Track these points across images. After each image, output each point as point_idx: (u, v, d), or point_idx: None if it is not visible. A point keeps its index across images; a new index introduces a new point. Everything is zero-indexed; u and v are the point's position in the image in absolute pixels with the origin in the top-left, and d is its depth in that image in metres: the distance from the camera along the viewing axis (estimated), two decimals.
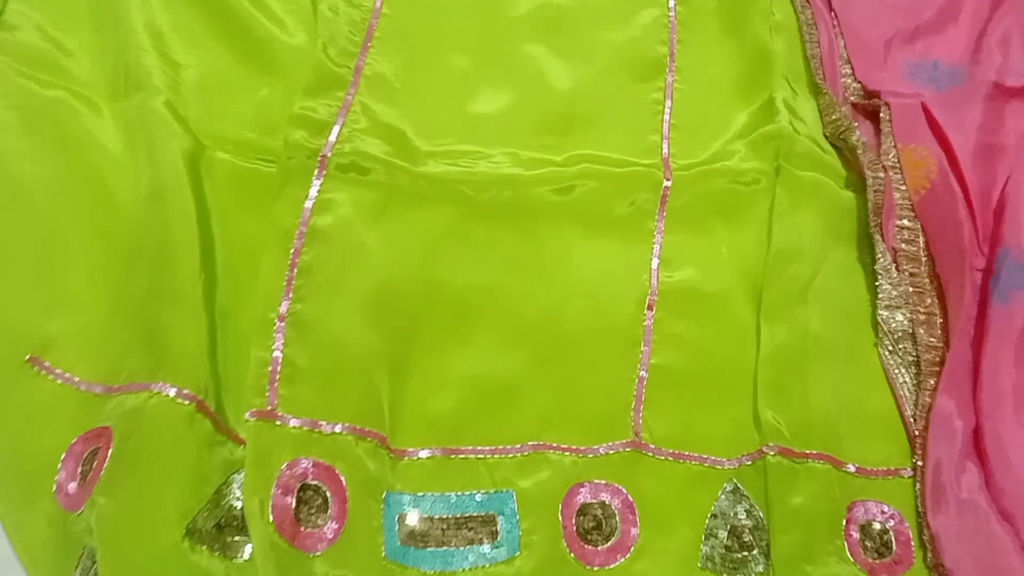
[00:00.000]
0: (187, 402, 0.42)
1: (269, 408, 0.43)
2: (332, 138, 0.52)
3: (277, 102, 0.54)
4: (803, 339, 0.49)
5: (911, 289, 0.52)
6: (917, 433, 0.47)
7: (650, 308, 0.50)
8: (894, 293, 0.51)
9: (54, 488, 0.41)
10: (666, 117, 0.58)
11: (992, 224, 0.54)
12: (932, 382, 0.49)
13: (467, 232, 0.51)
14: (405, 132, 0.54)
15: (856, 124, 0.58)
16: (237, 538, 0.41)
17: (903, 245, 0.54)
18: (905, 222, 0.55)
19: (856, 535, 0.45)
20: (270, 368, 0.44)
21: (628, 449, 0.46)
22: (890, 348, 0.50)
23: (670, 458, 0.46)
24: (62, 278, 0.46)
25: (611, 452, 0.46)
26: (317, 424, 0.43)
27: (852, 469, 0.47)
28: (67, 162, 0.50)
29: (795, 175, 0.54)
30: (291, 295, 0.46)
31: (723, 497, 0.45)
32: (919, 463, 0.47)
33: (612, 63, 0.60)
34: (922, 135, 0.57)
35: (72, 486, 0.41)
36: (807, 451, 0.46)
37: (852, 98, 0.61)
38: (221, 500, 0.41)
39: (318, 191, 0.50)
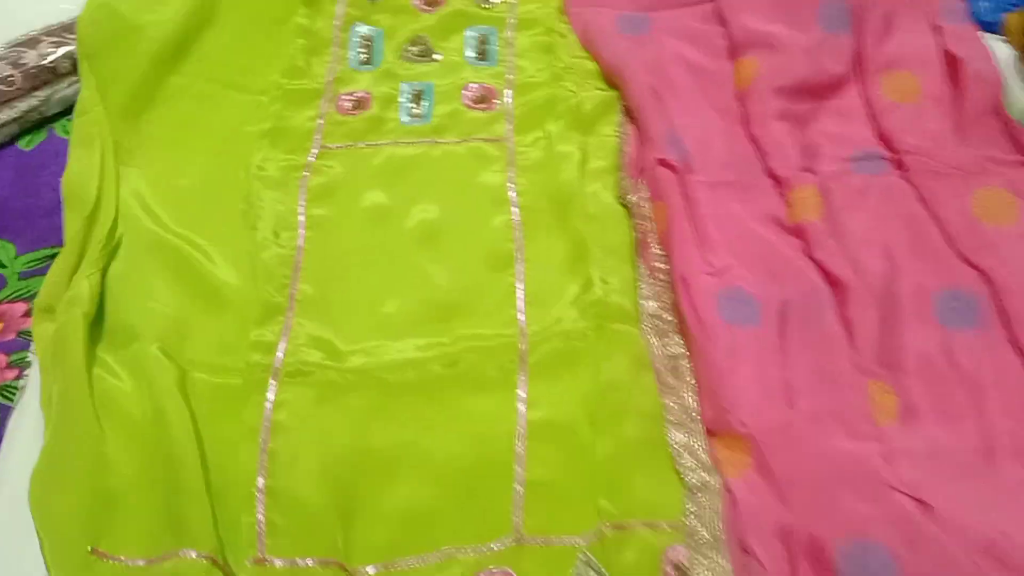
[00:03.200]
0: (205, 560, 0.61)
1: (260, 556, 0.62)
2: (280, 355, 0.73)
3: (231, 330, 0.76)
4: (623, 445, 0.70)
5: (659, 288, 0.80)
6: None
7: (520, 440, 0.71)
8: (648, 292, 0.79)
9: None
10: (520, 296, 0.81)
11: None
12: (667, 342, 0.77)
13: (387, 406, 0.72)
14: (332, 340, 0.75)
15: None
16: None
17: (657, 264, 0.81)
18: (656, 249, 0.82)
19: (671, 571, 0.66)
20: (258, 528, 0.64)
21: (513, 544, 0.66)
22: (647, 326, 0.77)
23: (541, 543, 0.66)
24: (103, 487, 0.66)
25: (501, 548, 0.66)
26: (294, 561, 0.63)
27: (665, 526, 0.68)
28: (95, 405, 0.70)
29: (610, 328, 0.77)
30: (264, 473, 0.66)
31: (578, 566, 0.65)
32: None
33: (476, 261, 0.82)
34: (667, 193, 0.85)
35: None
36: (631, 520, 0.67)
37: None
38: None
39: (275, 395, 0.71)
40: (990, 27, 1.04)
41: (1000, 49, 1.02)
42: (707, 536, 0.67)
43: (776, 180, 0.90)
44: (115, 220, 0.81)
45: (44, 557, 0.63)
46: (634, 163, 0.91)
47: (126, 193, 0.83)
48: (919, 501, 0.65)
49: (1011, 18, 1.03)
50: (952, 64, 0.97)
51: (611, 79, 0.99)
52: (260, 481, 0.66)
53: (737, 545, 0.66)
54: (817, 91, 0.97)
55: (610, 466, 0.69)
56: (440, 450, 0.70)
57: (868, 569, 0.61)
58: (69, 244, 0.79)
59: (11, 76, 0.89)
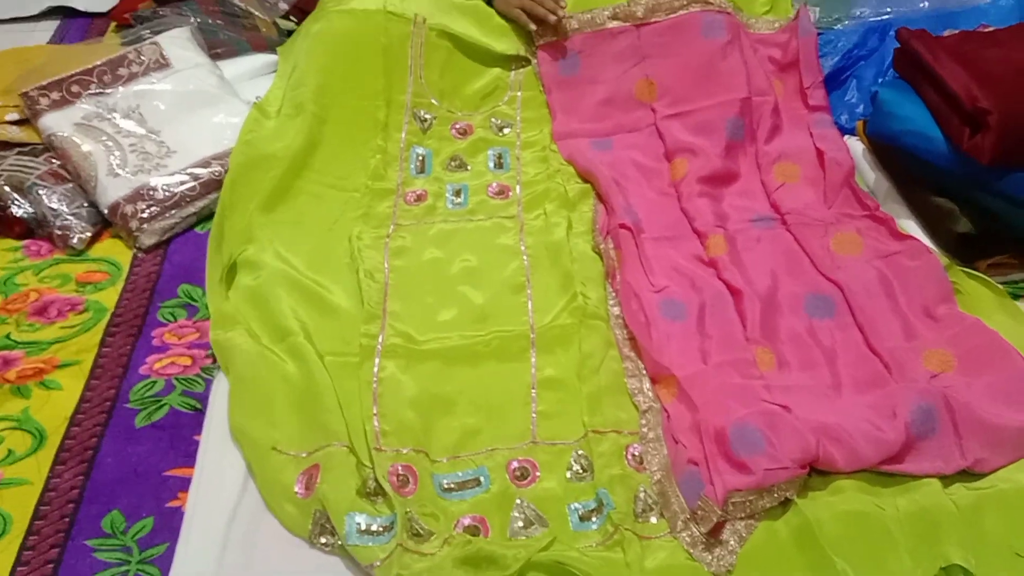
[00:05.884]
0: (344, 448, 1.01)
1: (377, 447, 1.02)
2: (380, 339, 1.15)
3: (346, 330, 1.17)
4: (597, 388, 1.09)
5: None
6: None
7: (534, 387, 1.12)
8: (613, 302, 1.22)
9: (295, 491, 0.99)
10: (529, 308, 1.23)
11: None
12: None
13: (445, 369, 1.13)
14: (410, 332, 1.17)
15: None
16: (377, 498, 0.98)
17: (618, 287, 1.22)
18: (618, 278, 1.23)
19: (631, 459, 1.04)
20: (375, 431, 1.03)
21: (531, 444, 1.05)
22: (613, 322, 1.18)
23: (549, 444, 1.05)
24: (275, 413, 1.06)
25: (523, 446, 1.05)
26: (397, 449, 1.02)
27: (626, 432, 1.06)
28: (268, 373, 1.11)
29: (588, 322, 1.18)
30: (376, 403, 1.07)
31: (573, 455, 1.04)
32: None
33: (500, 289, 1.25)
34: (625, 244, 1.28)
35: (302, 490, 0.99)
36: (605, 429, 1.06)
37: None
38: (367, 485, 0.99)
39: (378, 362, 1.12)
40: (848, 131, 1.52)
41: (855, 144, 1.50)
42: (652, 436, 1.07)
43: (698, 234, 1.34)
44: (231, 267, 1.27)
45: (245, 457, 1.03)
46: (603, 228, 1.35)
47: (270, 255, 1.27)
48: (782, 406, 1.05)
49: (860, 124, 1.50)
50: (820, 155, 1.44)
51: (587, 177, 1.46)
52: (374, 408, 1.06)
53: (670, 439, 1.05)
54: (725, 179, 1.43)
55: (590, 400, 1.09)
56: (482, 394, 1.11)
57: (747, 439, 1.00)
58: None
59: (193, 186, 1.36)
